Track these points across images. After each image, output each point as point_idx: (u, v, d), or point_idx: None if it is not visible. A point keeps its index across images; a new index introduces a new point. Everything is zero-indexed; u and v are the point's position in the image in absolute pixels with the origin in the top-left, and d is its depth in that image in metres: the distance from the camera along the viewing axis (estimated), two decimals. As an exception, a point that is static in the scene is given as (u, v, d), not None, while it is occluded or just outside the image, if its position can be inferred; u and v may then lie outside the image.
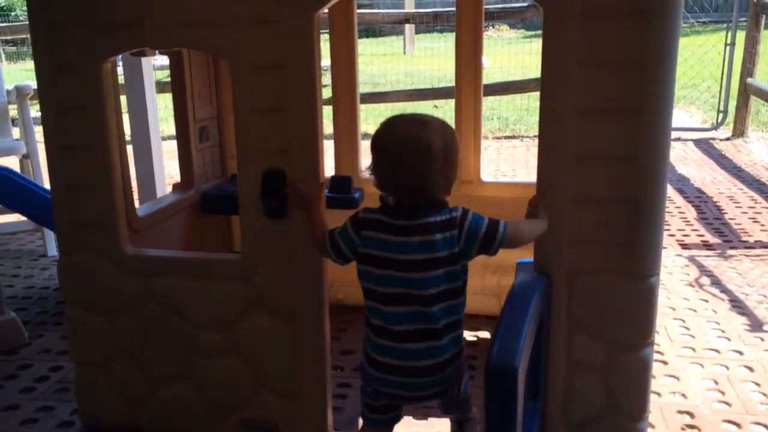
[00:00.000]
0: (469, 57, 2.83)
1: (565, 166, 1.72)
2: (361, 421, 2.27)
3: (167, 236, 2.60)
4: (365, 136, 8.44)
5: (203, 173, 2.88)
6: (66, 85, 1.97)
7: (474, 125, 2.83)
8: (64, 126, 2.00)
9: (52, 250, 3.97)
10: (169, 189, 3.11)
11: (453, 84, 3.00)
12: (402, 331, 1.58)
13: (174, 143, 2.85)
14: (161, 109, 4.89)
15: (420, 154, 1.54)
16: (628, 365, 1.82)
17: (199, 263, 2.06)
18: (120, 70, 3.96)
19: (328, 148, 2.08)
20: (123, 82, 3.89)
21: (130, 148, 3.68)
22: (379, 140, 1.61)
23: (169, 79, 2.80)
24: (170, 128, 3.37)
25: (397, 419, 1.76)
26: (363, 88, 7.11)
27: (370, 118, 8.11)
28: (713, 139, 7.27)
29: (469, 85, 2.84)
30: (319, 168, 1.86)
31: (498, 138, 7.44)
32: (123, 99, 4.01)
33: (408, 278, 1.56)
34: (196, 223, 2.80)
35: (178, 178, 2.87)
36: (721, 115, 7.61)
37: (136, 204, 2.97)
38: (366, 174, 3.07)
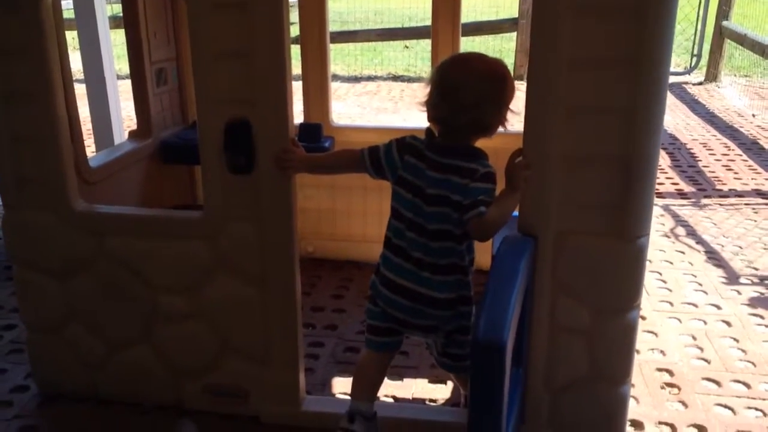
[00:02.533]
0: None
1: (555, 121, 1.59)
2: (334, 381, 2.20)
3: (124, 188, 2.43)
4: (334, 77, 8.14)
5: (162, 119, 2.68)
6: (2, 25, 1.76)
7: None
8: (0, 71, 1.80)
9: (3, 197, 3.74)
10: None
11: (423, 23, 2.83)
12: (416, 257, 1.65)
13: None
14: (117, 46, 4.58)
15: (493, 91, 1.60)
16: (613, 329, 1.73)
17: (158, 221, 1.90)
18: (70, 3, 3.68)
19: (296, 89, 1.90)
20: (74, 16, 3.62)
21: (82, 88, 3.46)
22: (454, 74, 1.61)
23: (124, 15, 2.57)
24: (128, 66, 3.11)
25: (398, 346, 1.79)
26: (331, 26, 6.80)
27: (338, 59, 7.83)
28: (686, 83, 7.20)
29: (446, 23, 2.67)
30: (287, 117, 1.70)
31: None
32: (74, 34, 3.74)
33: (425, 211, 1.62)
34: (156, 173, 2.62)
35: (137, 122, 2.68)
36: (694, 59, 7.53)
37: (91, 153, 2.77)
38: (338, 122, 2.92)
